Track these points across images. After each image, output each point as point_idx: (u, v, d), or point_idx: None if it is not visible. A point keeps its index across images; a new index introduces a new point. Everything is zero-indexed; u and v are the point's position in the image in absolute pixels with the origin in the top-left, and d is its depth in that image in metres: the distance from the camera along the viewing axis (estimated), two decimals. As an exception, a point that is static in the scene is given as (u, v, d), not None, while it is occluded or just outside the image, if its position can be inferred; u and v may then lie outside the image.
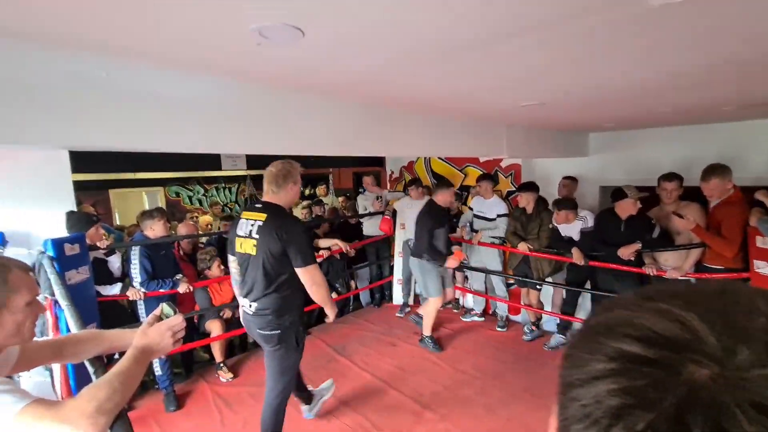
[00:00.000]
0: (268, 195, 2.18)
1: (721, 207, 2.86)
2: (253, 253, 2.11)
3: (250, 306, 2.18)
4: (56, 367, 2.33)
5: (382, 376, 3.40)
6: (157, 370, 3.13)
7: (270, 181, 2.16)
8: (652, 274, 3.13)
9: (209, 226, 6.02)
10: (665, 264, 3.19)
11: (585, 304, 3.80)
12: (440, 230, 3.68)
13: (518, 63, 1.59)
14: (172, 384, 3.19)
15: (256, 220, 2.12)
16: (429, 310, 3.89)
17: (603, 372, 0.27)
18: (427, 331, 3.93)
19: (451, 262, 3.65)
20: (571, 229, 3.62)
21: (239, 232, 2.18)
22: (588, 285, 3.64)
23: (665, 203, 3.15)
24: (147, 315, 3.06)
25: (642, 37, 1.31)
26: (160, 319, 1.12)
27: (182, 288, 3.22)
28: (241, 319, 2.36)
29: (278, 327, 2.16)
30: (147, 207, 6.37)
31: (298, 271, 2.08)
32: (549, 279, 3.86)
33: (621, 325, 0.29)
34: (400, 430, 2.71)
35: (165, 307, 1.14)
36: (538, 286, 3.96)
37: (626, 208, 3.15)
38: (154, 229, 3.20)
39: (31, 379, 2.74)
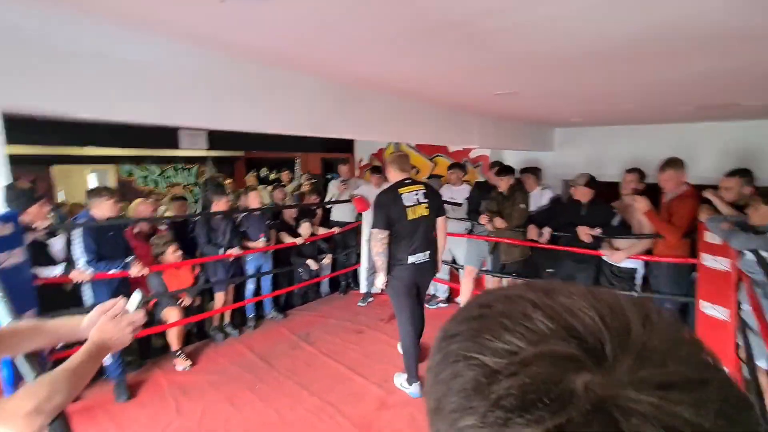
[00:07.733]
0: (404, 174, 2.82)
1: (675, 201, 3.02)
2: (427, 213, 2.77)
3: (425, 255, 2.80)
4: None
5: (347, 363, 3.37)
6: (107, 358, 2.92)
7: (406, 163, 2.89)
8: (607, 255, 3.27)
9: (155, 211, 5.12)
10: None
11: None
12: None
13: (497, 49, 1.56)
14: (124, 373, 2.99)
15: (417, 191, 2.77)
16: None
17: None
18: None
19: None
20: (541, 198, 3.84)
21: (407, 203, 2.70)
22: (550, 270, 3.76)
23: (623, 193, 3.37)
24: (94, 300, 2.85)
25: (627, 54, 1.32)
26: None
27: (134, 270, 3.00)
28: (407, 272, 2.75)
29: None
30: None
31: (440, 219, 2.92)
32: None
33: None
34: (364, 416, 2.69)
35: (136, 297, 1.01)
36: (508, 275, 3.97)
37: (579, 194, 3.40)
38: (101, 209, 2.95)
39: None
